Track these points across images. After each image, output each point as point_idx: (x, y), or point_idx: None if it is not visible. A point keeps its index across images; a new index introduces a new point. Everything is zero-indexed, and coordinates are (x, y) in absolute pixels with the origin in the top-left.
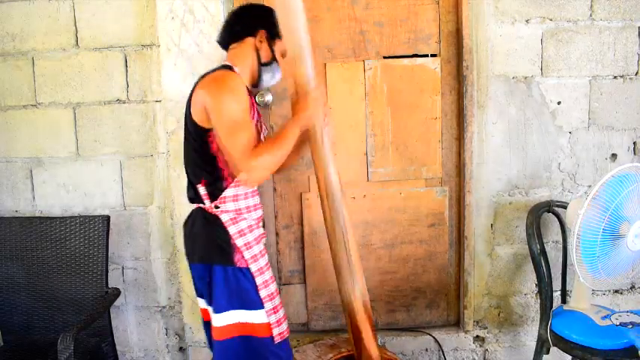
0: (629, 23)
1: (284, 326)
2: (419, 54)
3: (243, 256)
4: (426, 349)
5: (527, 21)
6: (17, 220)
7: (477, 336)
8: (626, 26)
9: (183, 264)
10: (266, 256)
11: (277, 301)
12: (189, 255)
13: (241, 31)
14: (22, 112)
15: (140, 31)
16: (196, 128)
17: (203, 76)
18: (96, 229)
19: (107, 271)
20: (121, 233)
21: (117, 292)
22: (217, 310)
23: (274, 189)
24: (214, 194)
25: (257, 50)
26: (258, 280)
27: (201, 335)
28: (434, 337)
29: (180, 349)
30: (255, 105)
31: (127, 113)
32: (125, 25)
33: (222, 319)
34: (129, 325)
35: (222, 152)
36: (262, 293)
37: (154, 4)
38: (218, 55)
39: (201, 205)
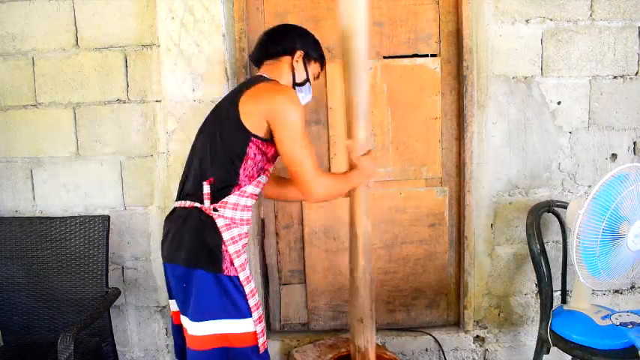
0: (630, 23)
1: (265, 337)
2: (419, 54)
3: (232, 264)
4: (426, 349)
5: (527, 21)
6: (17, 220)
7: (477, 336)
8: (626, 26)
9: None
10: (248, 266)
11: (261, 311)
12: (171, 254)
13: (280, 48)
14: (22, 112)
15: (140, 31)
16: (242, 131)
17: (248, 84)
18: (96, 229)
19: (107, 271)
20: (121, 233)
21: (117, 292)
22: (196, 319)
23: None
24: (217, 196)
25: (293, 69)
26: (247, 289)
27: None
28: (434, 337)
29: None
30: None
31: (127, 113)
32: (125, 25)
33: (200, 329)
34: (129, 325)
35: (255, 161)
36: (251, 302)
37: (154, 4)
38: (218, 55)
39: (197, 204)
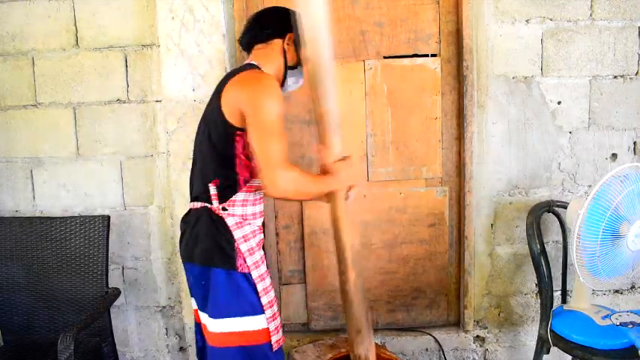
0: (630, 23)
1: (280, 334)
2: (419, 54)
3: (245, 262)
4: (426, 349)
5: (527, 21)
6: (17, 220)
7: (477, 336)
8: (626, 26)
9: None
10: (265, 262)
11: (276, 308)
12: (188, 254)
13: (270, 32)
14: (22, 112)
15: (140, 31)
16: (226, 126)
17: (233, 74)
18: (96, 229)
19: (107, 271)
20: (121, 233)
21: (117, 292)
22: (214, 316)
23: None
24: (224, 196)
25: (284, 53)
26: (260, 287)
27: None
28: (434, 337)
29: (181, 349)
30: None
31: (127, 113)
32: (125, 25)
33: (219, 326)
34: (129, 325)
35: (246, 155)
36: (263, 300)
37: (154, 4)
38: (218, 55)
39: (207, 204)
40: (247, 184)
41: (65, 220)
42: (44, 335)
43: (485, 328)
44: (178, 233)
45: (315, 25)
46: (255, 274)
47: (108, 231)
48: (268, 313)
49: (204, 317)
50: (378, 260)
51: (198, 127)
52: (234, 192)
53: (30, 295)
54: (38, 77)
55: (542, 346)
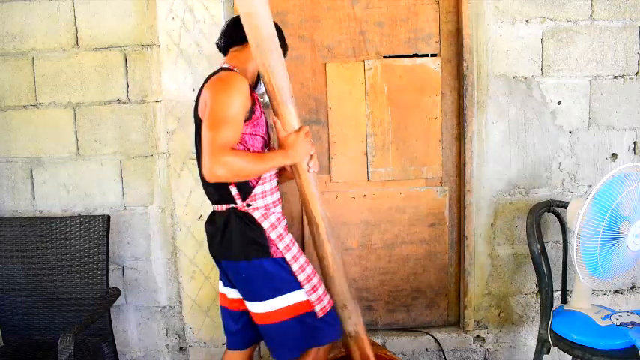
0: (630, 23)
1: (325, 301)
2: (419, 54)
3: (277, 247)
4: (426, 349)
5: (527, 21)
6: (17, 220)
7: (478, 336)
8: (626, 26)
9: (183, 264)
10: (296, 243)
11: (315, 280)
12: (224, 252)
13: (244, 35)
14: (22, 112)
15: (140, 31)
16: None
17: (209, 77)
18: (96, 229)
19: (107, 271)
20: (121, 233)
21: (117, 292)
22: (261, 299)
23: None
24: (245, 193)
25: None
26: (295, 267)
27: (202, 335)
28: (434, 337)
29: (181, 349)
30: (258, 101)
31: (127, 113)
32: (125, 25)
33: (266, 306)
34: (129, 325)
35: (247, 150)
36: (300, 277)
37: (154, 4)
38: (218, 55)
39: (232, 205)
40: (260, 178)
41: (65, 220)
42: (44, 335)
43: (485, 328)
44: (179, 233)
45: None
46: (288, 257)
47: (108, 231)
48: (307, 287)
49: (252, 306)
50: (378, 260)
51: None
52: (252, 187)
53: (30, 295)
54: (38, 77)
55: (542, 346)
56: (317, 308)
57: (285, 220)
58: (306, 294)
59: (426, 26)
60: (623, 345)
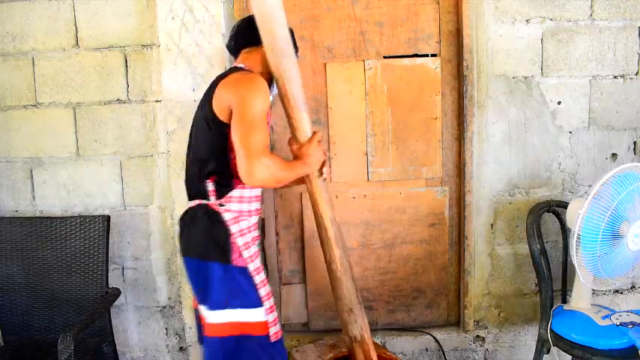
0: (630, 23)
1: (278, 326)
2: (419, 54)
3: (241, 255)
4: (426, 349)
5: (527, 21)
6: (17, 220)
7: (478, 336)
8: (626, 26)
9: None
10: (259, 257)
11: (272, 301)
12: (186, 248)
13: (257, 37)
14: (22, 112)
15: (140, 31)
16: (218, 124)
17: (223, 76)
18: (96, 229)
19: (107, 271)
20: (121, 233)
21: (117, 292)
22: (213, 308)
23: (274, 189)
24: (221, 192)
25: None
26: (257, 279)
27: None
28: (434, 337)
29: (181, 349)
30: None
31: (127, 113)
32: (125, 25)
33: (217, 317)
34: (129, 325)
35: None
36: (262, 292)
37: (154, 4)
38: (218, 55)
39: (204, 201)
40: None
41: (65, 220)
42: (44, 335)
43: (485, 328)
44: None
45: (268, 3)
46: (251, 267)
47: (108, 231)
48: (267, 304)
49: (203, 310)
50: (378, 260)
51: (191, 130)
52: (231, 188)
53: (30, 295)
54: (38, 77)
55: (542, 346)
56: (272, 331)
57: (257, 232)
58: (265, 312)
59: (426, 26)
60: (623, 345)
